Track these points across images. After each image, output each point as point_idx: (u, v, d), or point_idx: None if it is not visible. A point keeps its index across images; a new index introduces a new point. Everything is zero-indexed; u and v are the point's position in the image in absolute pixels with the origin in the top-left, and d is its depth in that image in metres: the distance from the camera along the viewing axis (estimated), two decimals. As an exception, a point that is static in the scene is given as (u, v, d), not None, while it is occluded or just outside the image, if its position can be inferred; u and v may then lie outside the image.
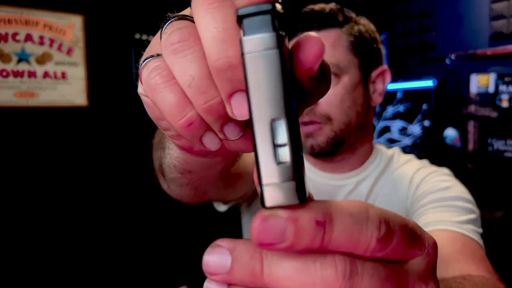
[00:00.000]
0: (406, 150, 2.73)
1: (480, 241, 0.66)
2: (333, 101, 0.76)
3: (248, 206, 0.92)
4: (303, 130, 0.78)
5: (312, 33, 0.20)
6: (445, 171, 0.81)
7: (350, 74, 0.77)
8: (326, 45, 0.75)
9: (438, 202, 0.71)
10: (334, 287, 0.17)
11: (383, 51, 0.86)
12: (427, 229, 0.66)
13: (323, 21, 0.78)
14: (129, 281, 1.90)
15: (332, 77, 0.76)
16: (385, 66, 0.84)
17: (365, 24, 0.83)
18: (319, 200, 0.19)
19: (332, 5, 0.81)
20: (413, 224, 0.20)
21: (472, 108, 2.52)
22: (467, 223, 0.67)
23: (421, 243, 0.20)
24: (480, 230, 0.70)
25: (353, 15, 0.82)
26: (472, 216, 0.70)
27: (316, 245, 0.17)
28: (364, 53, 0.80)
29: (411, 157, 0.89)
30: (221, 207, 0.88)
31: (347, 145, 0.81)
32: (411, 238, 0.19)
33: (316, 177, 0.87)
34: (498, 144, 2.40)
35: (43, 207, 1.70)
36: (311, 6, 0.80)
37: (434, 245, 0.21)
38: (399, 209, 0.78)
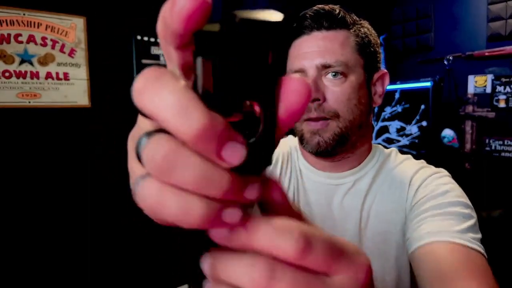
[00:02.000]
0: (404, 150, 2.75)
1: (481, 249, 0.67)
2: (341, 98, 0.78)
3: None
4: (311, 127, 0.80)
5: (304, 82, 0.21)
6: (443, 173, 0.82)
7: (356, 74, 0.79)
8: (336, 44, 0.77)
9: (437, 209, 0.73)
10: (255, 283, 0.21)
11: (381, 54, 0.89)
12: (429, 239, 0.68)
13: (333, 22, 0.80)
14: (130, 280, 1.91)
15: (340, 76, 0.78)
16: (384, 70, 0.86)
17: (369, 27, 0.85)
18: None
19: (338, 7, 0.82)
20: (342, 244, 0.23)
21: (470, 108, 2.54)
22: (467, 231, 0.68)
23: (349, 262, 0.22)
24: (479, 235, 0.71)
25: (357, 18, 0.84)
26: (471, 222, 0.72)
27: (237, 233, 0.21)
28: (368, 54, 0.82)
29: (408, 156, 0.90)
30: None
31: (349, 144, 0.82)
32: (335, 255, 0.22)
33: (315, 177, 0.88)
34: (495, 144, 2.42)
35: (45, 208, 1.71)
36: (320, 6, 0.82)
37: (367, 268, 0.23)
38: (397, 209, 0.80)
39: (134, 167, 0.27)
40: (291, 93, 0.21)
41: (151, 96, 0.20)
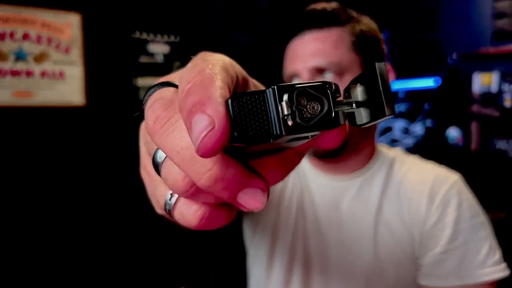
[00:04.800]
0: (408, 149, 2.72)
1: (497, 271, 0.73)
2: None
3: (250, 211, 0.91)
4: None
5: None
6: (459, 183, 0.81)
7: (352, 73, 0.77)
8: (327, 45, 0.75)
9: (459, 238, 0.75)
10: None
11: (385, 50, 0.86)
12: (452, 282, 0.74)
13: (325, 20, 0.78)
14: (129, 280, 1.90)
15: (335, 76, 0.76)
16: (388, 66, 0.84)
17: (367, 23, 0.82)
18: None
19: (334, 4, 0.81)
20: None
21: (475, 107, 2.51)
22: (493, 257, 0.73)
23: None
24: (494, 242, 0.76)
25: (354, 14, 0.82)
26: (491, 240, 0.76)
27: None
28: (366, 52, 0.79)
29: (414, 158, 0.88)
30: None
31: (351, 146, 0.80)
32: None
33: (320, 178, 0.86)
34: (501, 144, 2.40)
35: (39, 208, 1.69)
36: (313, 5, 0.80)
37: None
38: (410, 221, 0.78)
39: (153, 176, 0.26)
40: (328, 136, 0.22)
41: (162, 138, 0.20)
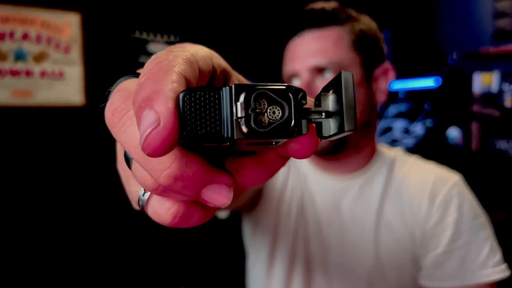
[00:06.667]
0: (408, 149, 2.71)
1: (498, 272, 0.72)
2: None
3: (249, 212, 0.91)
4: None
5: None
6: (460, 184, 0.80)
7: (353, 73, 0.76)
8: (327, 44, 0.74)
9: (459, 240, 0.74)
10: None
11: (385, 49, 0.85)
12: (458, 277, 0.73)
13: (325, 19, 0.78)
14: (128, 281, 1.89)
15: (334, 75, 0.75)
16: (388, 65, 0.83)
17: (366, 22, 0.82)
18: None
19: (334, 3, 0.80)
20: None
21: (475, 107, 2.50)
22: (488, 258, 0.73)
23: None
24: (495, 243, 0.75)
25: (354, 13, 0.81)
26: (492, 240, 0.75)
27: None
28: (366, 51, 0.79)
29: (415, 159, 0.87)
30: (221, 214, 0.86)
31: (351, 144, 0.80)
32: None
33: (320, 178, 0.85)
34: (501, 144, 2.39)
35: (38, 208, 1.69)
36: (312, 5, 0.80)
37: None
38: (411, 221, 0.78)
39: (127, 171, 0.25)
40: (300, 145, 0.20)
41: (120, 132, 0.19)
